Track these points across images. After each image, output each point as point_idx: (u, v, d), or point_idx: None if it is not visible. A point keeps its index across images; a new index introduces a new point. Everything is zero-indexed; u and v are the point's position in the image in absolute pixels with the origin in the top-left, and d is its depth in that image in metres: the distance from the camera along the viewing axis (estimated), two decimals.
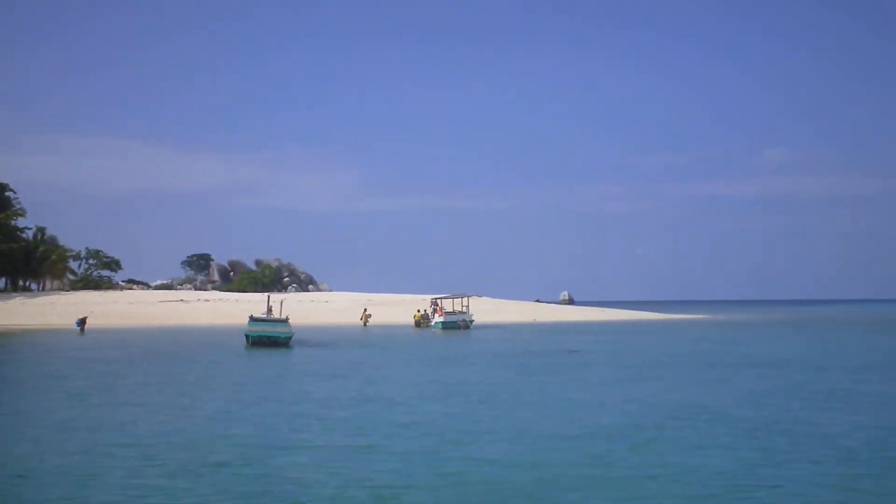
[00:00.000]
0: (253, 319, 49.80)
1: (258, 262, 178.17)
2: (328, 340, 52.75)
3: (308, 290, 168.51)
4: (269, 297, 63.13)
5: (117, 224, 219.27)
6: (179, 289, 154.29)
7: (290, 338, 48.22)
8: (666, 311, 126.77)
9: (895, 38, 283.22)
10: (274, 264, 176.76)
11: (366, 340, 54.28)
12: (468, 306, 77.74)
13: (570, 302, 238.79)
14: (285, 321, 50.10)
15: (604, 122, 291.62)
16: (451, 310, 77.40)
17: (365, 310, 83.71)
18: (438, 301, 78.98)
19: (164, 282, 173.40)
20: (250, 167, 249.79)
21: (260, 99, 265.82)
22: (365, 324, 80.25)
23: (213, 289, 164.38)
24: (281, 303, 59.77)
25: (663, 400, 22.86)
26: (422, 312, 78.48)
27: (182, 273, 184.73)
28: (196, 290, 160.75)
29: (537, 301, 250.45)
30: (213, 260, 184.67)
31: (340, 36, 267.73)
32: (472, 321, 73.92)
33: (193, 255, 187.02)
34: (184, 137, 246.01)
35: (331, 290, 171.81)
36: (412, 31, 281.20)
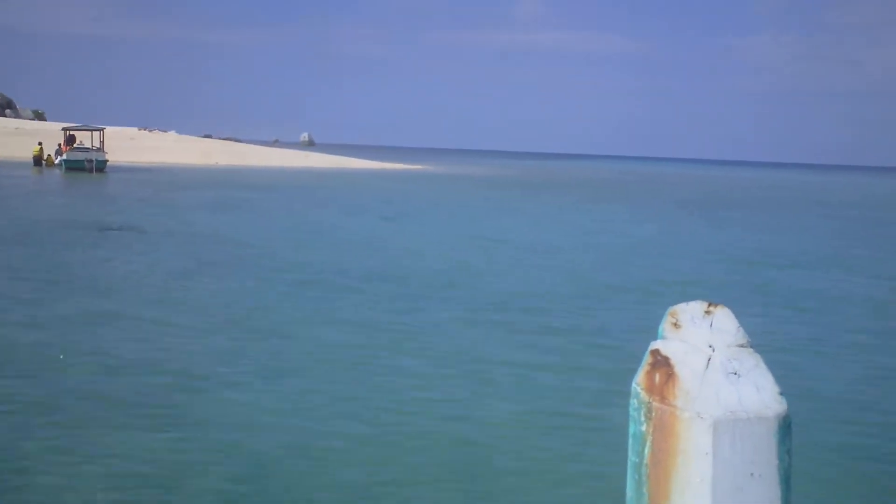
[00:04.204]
0: None
1: None
2: None
3: (5, 115, 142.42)
4: None
5: None
6: None
7: None
8: (400, 160, 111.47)
9: None
10: None
11: None
12: (103, 142, 57.71)
13: (311, 144, 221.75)
14: None
15: None
16: (90, 146, 57.47)
17: None
18: (71, 133, 58.44)
19: None
20: None
21: None
22: None
23: None
24: None
25: None
26: (41, 146, 58.10)
27: None
28: None
29: (276, 141, 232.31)
30: None
31: None
32: (105, 161, 54.47)
33: None
34: None
35: (33, 119, 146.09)
36: None
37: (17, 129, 78.14)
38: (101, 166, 53.46)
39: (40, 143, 58.37)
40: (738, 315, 2.56)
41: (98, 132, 58.59)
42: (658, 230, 30.68)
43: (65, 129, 59.08)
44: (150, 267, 17.60)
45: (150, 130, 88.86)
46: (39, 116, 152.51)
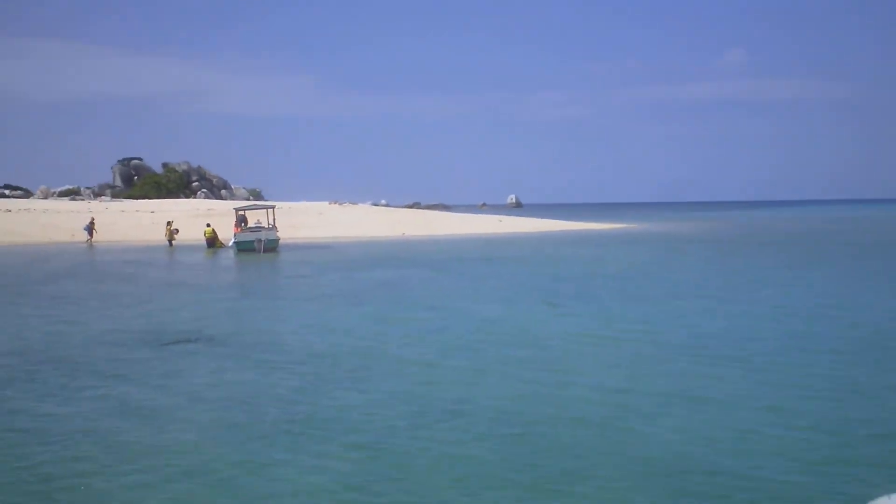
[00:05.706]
0: None
1: (165, 165, 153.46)
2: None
3: (221, 197, 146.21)
4: None
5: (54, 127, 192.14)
6: (77, 198, 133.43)
7: None
8: (602, 218, 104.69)
9: None
10: (181, 167, 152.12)
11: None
12: (274, 220, 53.73)
13: (518, 205, 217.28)
14: None
15: (550, 29, 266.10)
16: (265, 224, 53.84)
17: (169, 224, 60.34)
18: (243, 213, 54.84)
19: (70, 188, 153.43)
20: (197, 71, 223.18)
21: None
22: (171, 241, 58.24)
23: (113, 195, 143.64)
24: None
25: None
26: (212, 227, 54.88)
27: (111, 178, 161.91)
28: (95, 196, 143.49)
29: (483, 205, 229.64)
30: (122, 163, 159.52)
31: None
32: (276, 240, 50.45)
33: (125, 160, 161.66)
34: (124, 40, 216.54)
35: (248, 198, 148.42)
36: None
37: (209, 210, 76.68)
38: (272, 245, 49.49)
39: (209, 225, 55.38)
40: None
41: (270, 209, 54.83)
42: None
43: (236, 210, 55.70)
44: (158, 422, 11.30)
45: (340, 203, 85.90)
46: (256, 195, 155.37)
